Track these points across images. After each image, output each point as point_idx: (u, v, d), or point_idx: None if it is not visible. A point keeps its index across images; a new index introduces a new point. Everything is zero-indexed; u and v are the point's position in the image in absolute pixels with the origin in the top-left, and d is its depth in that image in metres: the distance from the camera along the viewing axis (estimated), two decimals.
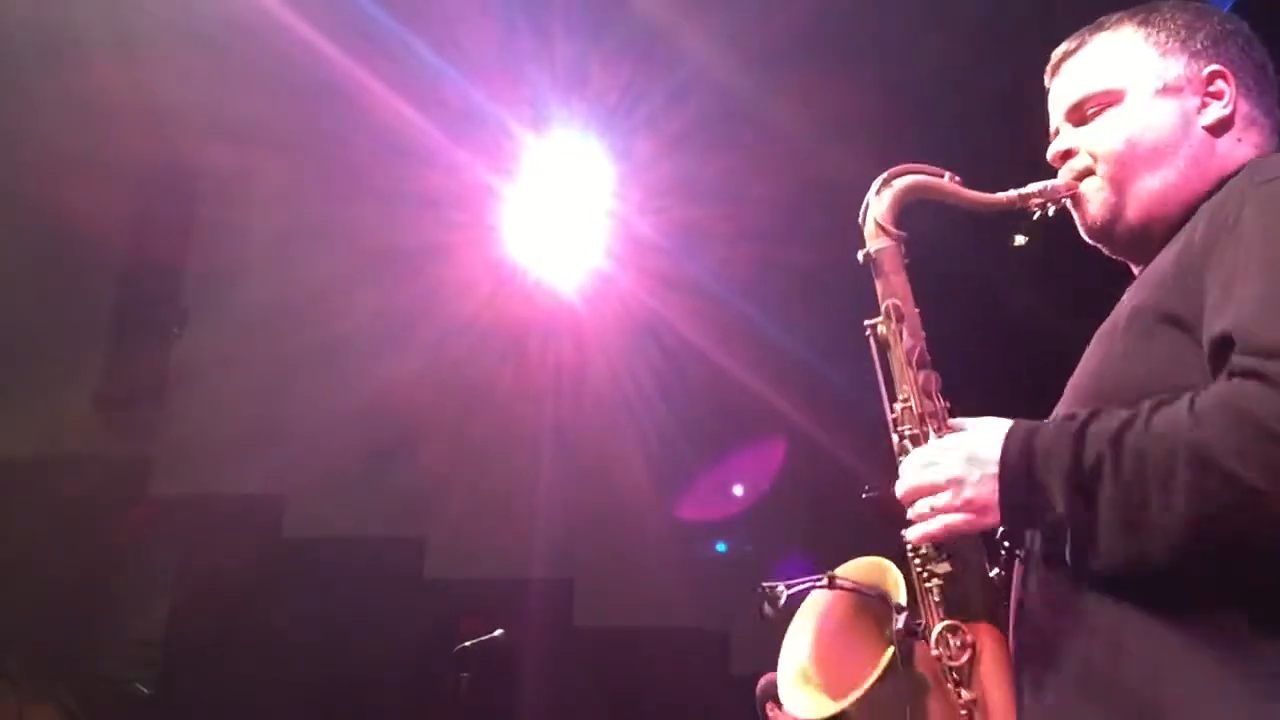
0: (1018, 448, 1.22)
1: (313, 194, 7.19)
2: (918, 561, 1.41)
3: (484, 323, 7.27)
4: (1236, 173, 1.36)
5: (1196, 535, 1.08)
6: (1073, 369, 1.44)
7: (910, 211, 1.52)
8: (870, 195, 1.54)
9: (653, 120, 6.83)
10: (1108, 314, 1.42)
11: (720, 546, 8.16)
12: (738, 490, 8.00)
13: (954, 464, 1.27)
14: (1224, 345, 1.14)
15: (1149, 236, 1.38)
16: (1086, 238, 1.48)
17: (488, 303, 7.32)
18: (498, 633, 5.09)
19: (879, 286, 1.50)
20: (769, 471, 7.68)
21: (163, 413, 7.73)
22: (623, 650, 7.24)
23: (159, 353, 7.76)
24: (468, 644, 5.02)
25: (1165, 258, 1.31)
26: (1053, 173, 1.50)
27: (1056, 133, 1.51)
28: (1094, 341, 1.38)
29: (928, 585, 1.40)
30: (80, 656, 6.92)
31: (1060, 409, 1.39)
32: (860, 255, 1.52)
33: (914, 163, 1.55)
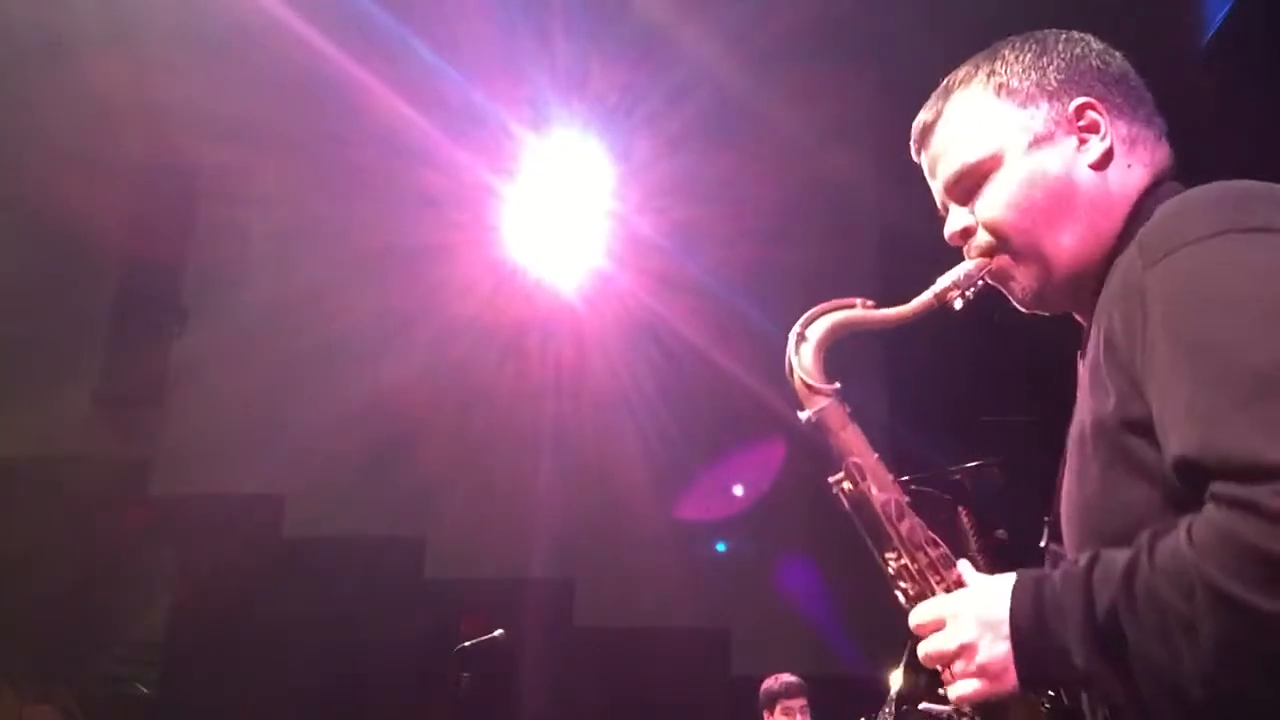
0: (1028, 607, 1.19)
1: (313, 194, 7.19)
2: None
3: (484, 323, 7.27)
4: (1140, 207, 1.32)
5: (1226, 671, 1.06)
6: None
7: (838, 347, 1.48)
8: (790, 354, 1.48)
9: (653, 120, 6.84)
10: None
11: (720, 546, 8.15)
12: (738, 490, 8.00)
13: (964, 629, 1.24)
14: (1187, 469, 1.10)
15: (1080, 290, 1.35)
16: (1021, 309, 1.44)
17: (488, 303, 7.33)
18: (498, 633, 5.09)
19: (832, 445, 1.46)
20: (769, 471, 7.67)
21: (163, 413, 7.73)
22: (623, 650, 7.23)
23: (159, 353, 7.77)
24: (468, 644, 5.02)
25: (1097, 346, 1.25)
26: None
27: (945, 208, 1.45)
28: (1069, 451, 1.34)
29: None
30: (80, 656, 6.92)
31: (1061, 535, 1.35)
32: (803, 419, 1.48)
33: (822, 302, 1.52)
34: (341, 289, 7.10)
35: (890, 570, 1.40)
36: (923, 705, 4.42)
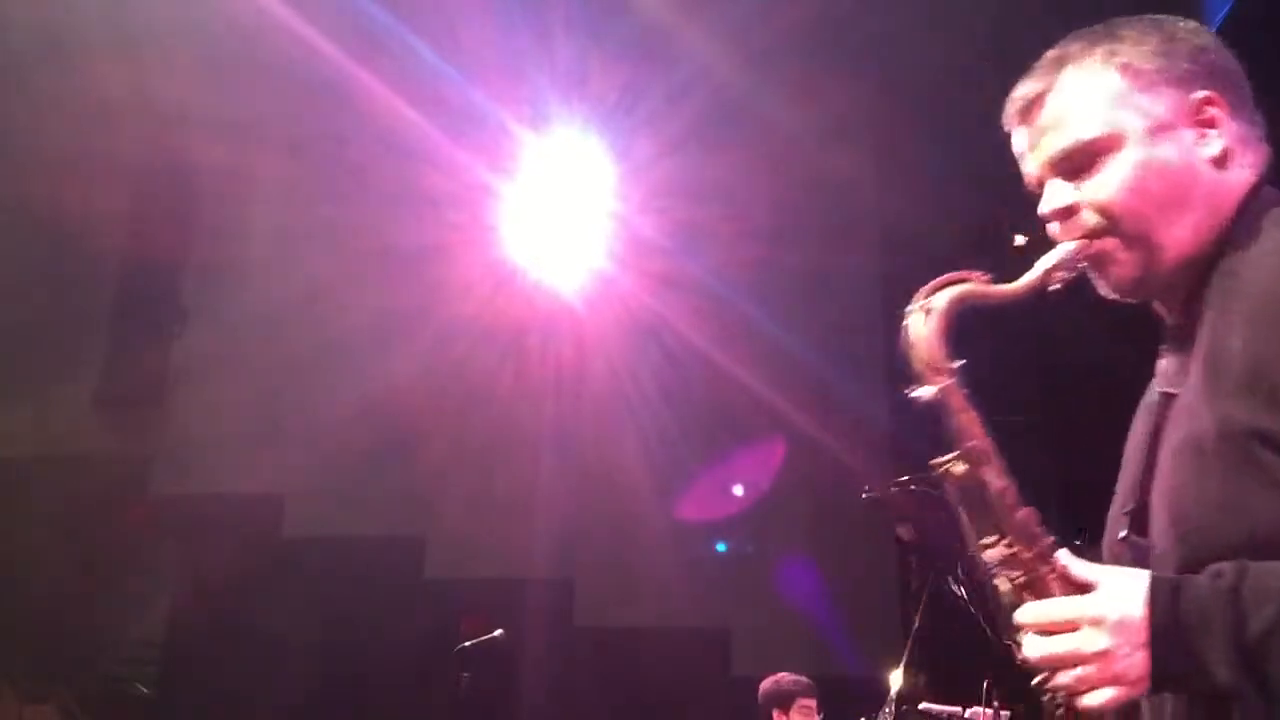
0: (1168, 616, 1.17)
1: (313, 194, 7.19)
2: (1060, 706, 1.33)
3: (484, 323, 7.27)
4: (1246, 208, 1.31)
5: None
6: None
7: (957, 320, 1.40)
8: (915, 328, 1.38)
9: (653, 120, 6.84)
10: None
11: (720, 546, 8.16)
12: (738, 490, 8.00)
13: (1103, 635, 1.20)
14: None
15: (1182, 283, 1.34)
16: (1112, 294, 1.39)
17: (488, 303, 7.32)
18: (498, 633, 5.09)
19: (951, 425, 1.39)
20: (769, 471, 7.67)
21: (163, 413, 7.73)
22: (623, 650, 7.24)
23: (159, 353, 7.77)
24: (468, 644, 5.03)
25: (1223, 351, 1.24)
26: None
27: (1039, 183, 1.40)
28: (1181, 453, 1.30)
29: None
30: (80, 656, 6.93)
31: (1158, 536, 1.33)
32: (922, 397, 1.39)
33: (943, 275, 1.41)
34: (341, 289, 7.10)
35: (994, 556, 1.35)
36: (923, 705, 4.43)
